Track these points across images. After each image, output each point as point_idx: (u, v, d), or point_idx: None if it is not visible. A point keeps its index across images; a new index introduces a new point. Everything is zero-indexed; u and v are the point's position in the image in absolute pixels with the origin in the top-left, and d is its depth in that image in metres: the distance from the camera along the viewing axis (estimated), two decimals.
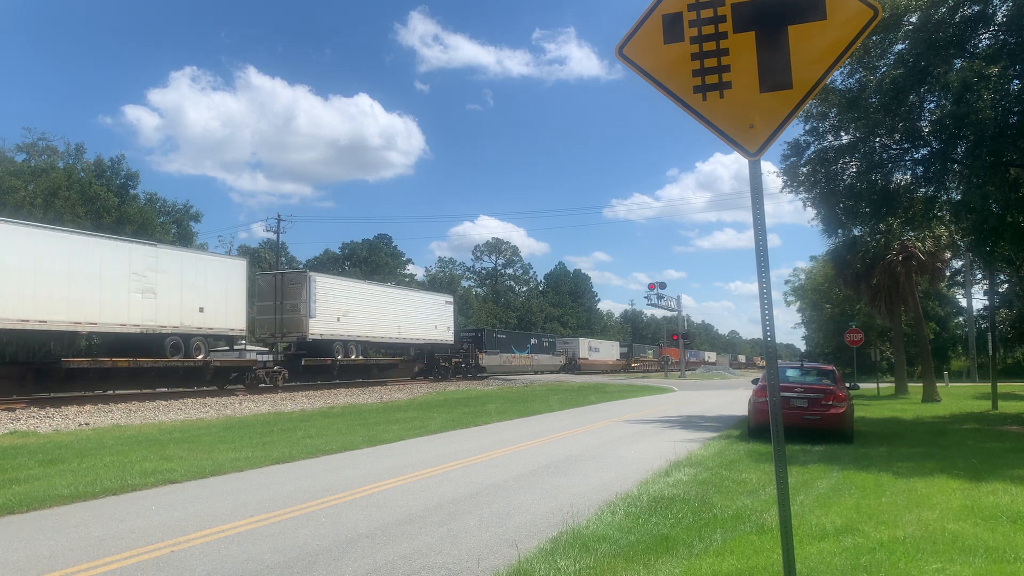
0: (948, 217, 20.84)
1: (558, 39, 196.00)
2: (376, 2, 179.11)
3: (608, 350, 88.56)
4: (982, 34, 17.19)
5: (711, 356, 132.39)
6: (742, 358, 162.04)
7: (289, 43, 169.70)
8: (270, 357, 33.31)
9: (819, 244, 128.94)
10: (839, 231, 22.43)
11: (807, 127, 19.49)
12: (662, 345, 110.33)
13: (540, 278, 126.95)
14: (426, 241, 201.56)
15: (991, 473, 9.87)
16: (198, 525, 7.15)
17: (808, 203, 20.16)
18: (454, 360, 47.90)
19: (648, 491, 8.62)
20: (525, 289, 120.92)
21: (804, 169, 19.52)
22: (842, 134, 19.08)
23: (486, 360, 53.39)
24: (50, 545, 6.45)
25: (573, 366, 74.86)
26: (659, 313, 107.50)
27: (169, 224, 55.72)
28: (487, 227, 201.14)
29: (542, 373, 65.70)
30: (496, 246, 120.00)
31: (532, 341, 66.72)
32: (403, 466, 10.92)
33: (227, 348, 31.65)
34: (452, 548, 6.33)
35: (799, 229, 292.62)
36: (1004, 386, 32.78)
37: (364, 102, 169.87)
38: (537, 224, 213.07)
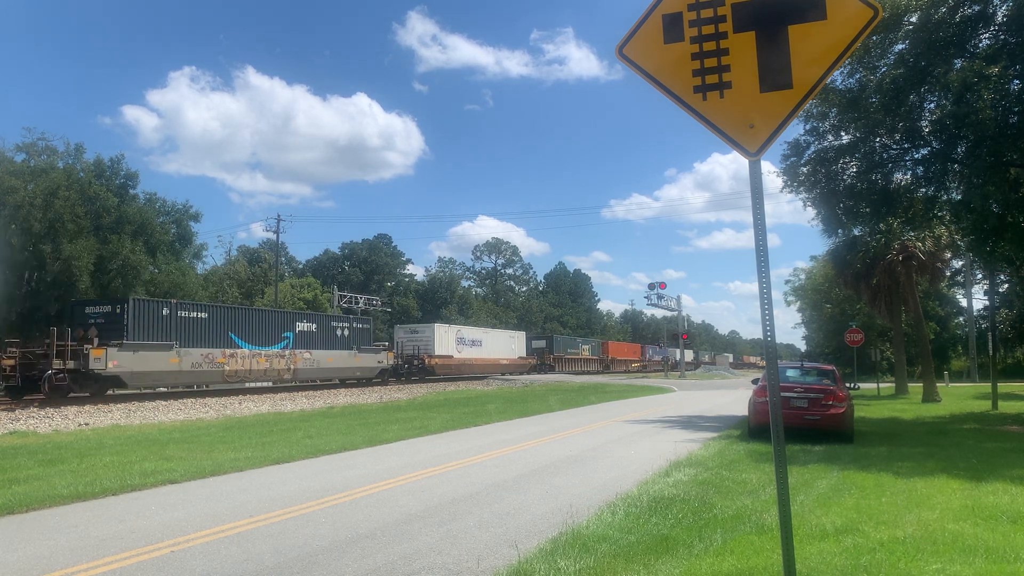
0: (948, 217, 20.83)
1: (556, 40, 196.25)
2: (374, 2, 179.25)
3: (499, 344, 59.60)
4: (982, 34, 17.19)
5: (687, 353, 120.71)
6: (729, 357, 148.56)
7: (287, 43, 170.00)
8: None
9: (819, 244, 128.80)
10: (839, 231, 22.42)
11: (807, 127, 19.50)
12: (659, 344, 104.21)
13: (540, 278, 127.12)
14: (426, 241, 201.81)
15: (991, 473, 9.86)
16: (198, 525, 7.14)
17: (808, 203, 20.15)
18: None
19: (648, 491, 8.61)
20: (525, 289, 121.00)
21: (804, 169, 19.51)
22: (842, 134, 19.08)
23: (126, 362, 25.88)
24: (50, 545, 6.45)
25: (416, 369, 46.47)
26: (659, 313, 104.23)
27: (169, 224, 55.70)
28: (486, 227, 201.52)
29: (319, 389, 35.97)
30: (496, 246, 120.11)
31: (300, 326, 35.16)
32: (403, 466, 10.91)
33: None
34: (452, 548, 6.32)
35: (799, 229, 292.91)
36: (1004, 386, 32.78)
37: (363, 102, 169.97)
38: (536, 224, 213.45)
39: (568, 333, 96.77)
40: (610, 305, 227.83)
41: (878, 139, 18.70)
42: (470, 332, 56.36)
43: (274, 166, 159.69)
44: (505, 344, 61.03)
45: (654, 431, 16.40)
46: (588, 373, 73.87)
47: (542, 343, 70.22)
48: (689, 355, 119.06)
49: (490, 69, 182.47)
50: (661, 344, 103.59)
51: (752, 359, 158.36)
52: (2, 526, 7.21)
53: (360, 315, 51.46)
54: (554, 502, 8.27)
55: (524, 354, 64.01)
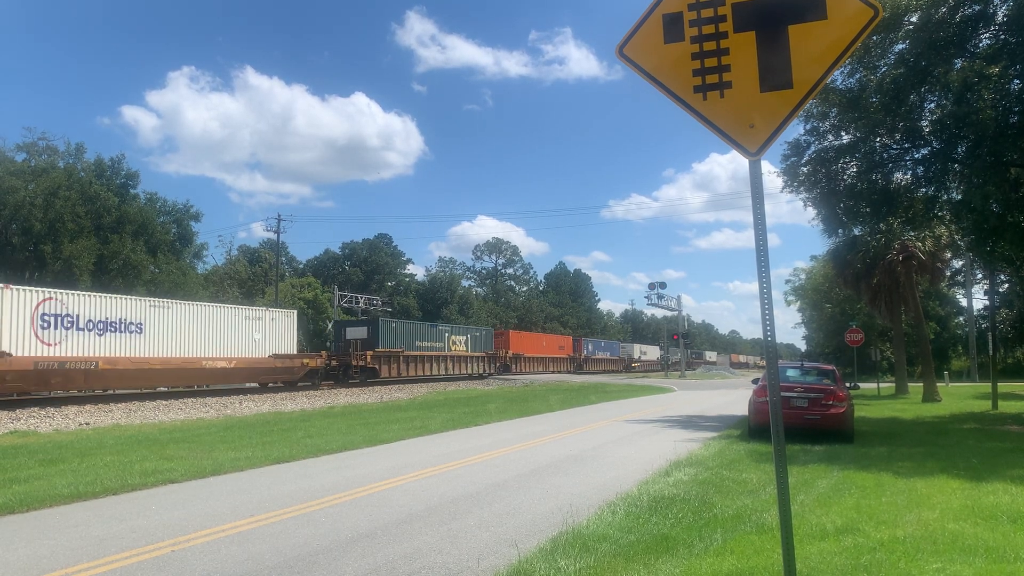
0: (948, 217, 20.84)
1: (555, 40, 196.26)
2: (373, 2, 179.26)
3: (206, 330, 29.92)
4: (982, 34, 17.19)
5: (645, 350, 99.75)
6: (711, 356, 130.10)
7: (286, 43, 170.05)
8: None
9: (819, 244, 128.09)
10: (839, 231, 22.42)
11: (807, 127, 19.51)
12: (662, 339, 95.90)
13: (540, 278, 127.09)
14: (425, 241, 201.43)
15: (991, 473, 9.87)
16: (198, 525, 7.15)
17: (808, 203, 20.17)
18: None
19: (648, 491, 8.61)
20: (525, 289, 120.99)
21: (804, 169, 19.52)
22: (842, 134, 19.08)
23: None
24: (50, 545, 6.45)
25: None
26: (659, 313, 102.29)
27: (169, 224, 55.70)
28: (485, 227, 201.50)
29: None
30: (496, 246, 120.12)
31: None
32: (403, 466, 10.92)
33: None
34: (452, 548, 6.33)
35: (799, 229, 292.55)
36: (1004, 386, 32.78)
37: (361, 101, 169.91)
38: (536, 224, 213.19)
39: (429, 318, 64.20)
40: (610, 305, 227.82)
41: (878, 139, 18.69)
42: (91, 303, 26.17)
43: (273, 166, 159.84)
44: (229, 330, 30.93)
45: (654, 431, 16.41)
46: (456, 381, 47.42)
47: (361, 331, 41.36)
48: (655, 353, 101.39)
49: (489, 69, 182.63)
50: (667, 341, 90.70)
51: (743, 358, 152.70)
52: (2, 526, 7.22)
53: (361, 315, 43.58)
54: (554, 502, 8.27)
55: (289, 350, 34.29)
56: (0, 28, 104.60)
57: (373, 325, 42.15)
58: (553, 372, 66.12)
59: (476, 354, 52.51)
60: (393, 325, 44.00)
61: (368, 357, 39.74)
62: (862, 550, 5.91)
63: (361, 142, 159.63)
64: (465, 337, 52.22)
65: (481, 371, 53.32)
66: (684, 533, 6.57)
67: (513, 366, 58.62)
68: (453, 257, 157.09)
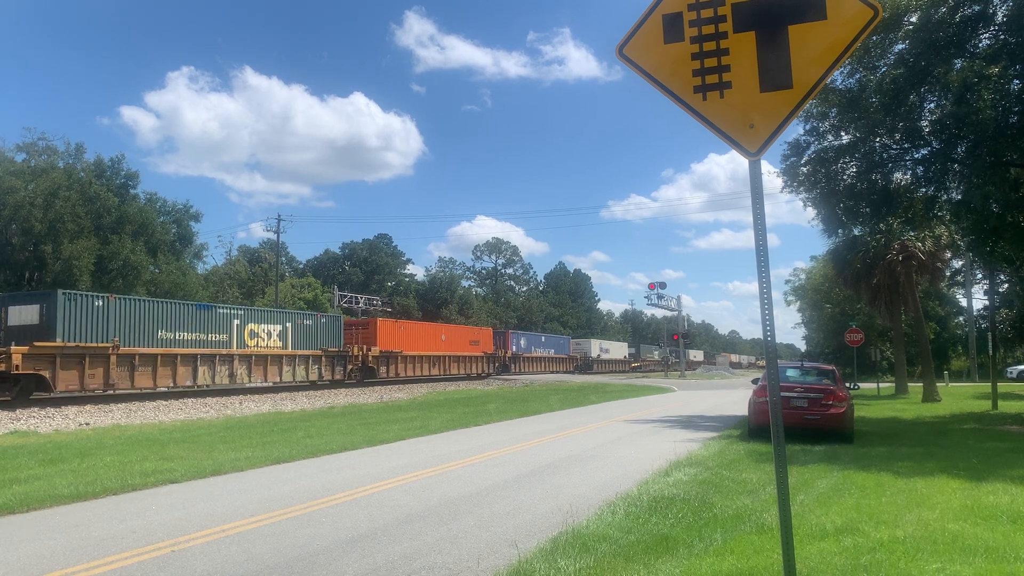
0: (948, 217, 20.82)
1: (554, 40, 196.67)
2: (372, 3, 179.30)
3: None
4: (982, 34, 17.18)
5: (608, 347, 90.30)
6: (695, 355, 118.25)
7: (285, 44, 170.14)
8: None
9: (819, 244, 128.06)
10: (839, 231, 22.43)
11: (807, 127, 19.50)
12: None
13: (540, 278, 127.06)
14: (425, 241, 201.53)
15: (991, 473, 9.87)
16: (198, 525, 7.15)
17: (808, 203, 20.16)
18: None
19: (648, 491, 8.61)
20: (525, 289, 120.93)
21: (804, 169, 19.52)
22: (842, 134, 19.08)
23: None
24: (50, 545, 6.45)
25: None
26: (659, 313, 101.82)
27: (169, 224, 55.69)
28: (485, 227, 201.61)
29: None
30: (496, 246, 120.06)
31: None
32: (403, 466, 10.92)
33: None
34: (452, 548, 6.33)
35: (798, 229, 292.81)
36: (1004, 386, 32.78)
37: (360, 101, 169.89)
38: (535, 224, 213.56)
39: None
40: (609, 305, 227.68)
41: (878, 139, 18.69)
42: None
43: (273, 166, 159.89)
44: None
45: (654, 431, 16.41)
46: (241, 395, 29.02)
47: (31, 313, 23.86)
48: (621, 351, 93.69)
49: (488, 70, 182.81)
50: (666, 341, 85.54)
51: (735, 358, 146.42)
52: (2, 526, 7.22)
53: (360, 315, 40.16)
54: (554, 501, 8.27)
55: None
56: None
57: (49, 300, 23.81)
58: (454, 376, 48.79)
59: (304, 352, 34.55)
60: (97, 303, 24.95)
61: (17, 357, 21.67)
62: (862, 550, 5.91)
63: (360, 142, 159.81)
64: (279, 327, 33.38)
65: (315, 378, 35.24)
66: (684, 533, 6.57)
67: (382, 369, 40.52)
68: (453, 257, 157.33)
